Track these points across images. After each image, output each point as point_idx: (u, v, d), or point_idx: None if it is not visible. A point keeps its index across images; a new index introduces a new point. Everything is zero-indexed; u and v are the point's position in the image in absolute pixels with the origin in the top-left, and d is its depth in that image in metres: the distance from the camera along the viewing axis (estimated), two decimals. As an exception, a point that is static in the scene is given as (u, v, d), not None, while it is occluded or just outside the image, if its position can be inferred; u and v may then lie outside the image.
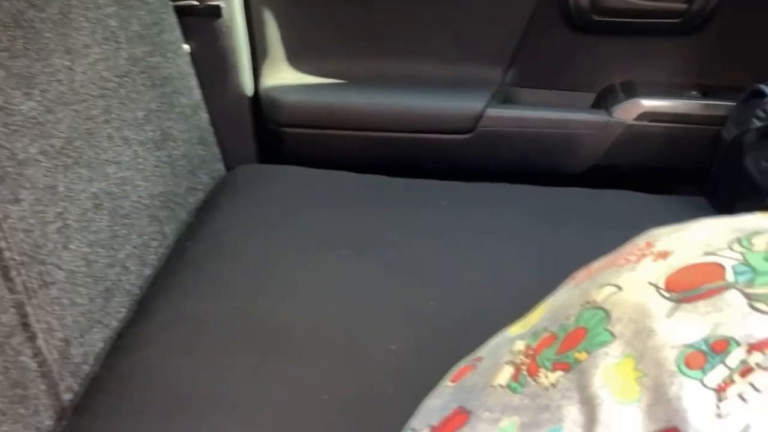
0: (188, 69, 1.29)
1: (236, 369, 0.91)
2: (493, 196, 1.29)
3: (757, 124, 1.25)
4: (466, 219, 1.21)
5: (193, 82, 1.30)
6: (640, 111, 1.43)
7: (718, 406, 0.53)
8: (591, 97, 1.53)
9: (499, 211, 1.24)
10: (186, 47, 1.31)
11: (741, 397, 0.53)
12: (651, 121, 1.44)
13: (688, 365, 0.57)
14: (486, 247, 1.15)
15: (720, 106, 1.41)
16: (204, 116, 1.32)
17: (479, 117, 1.43)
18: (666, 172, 1.49)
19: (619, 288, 0.67)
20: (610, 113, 1.45)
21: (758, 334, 0.57)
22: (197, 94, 1.31)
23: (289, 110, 1.43)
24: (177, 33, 1.27)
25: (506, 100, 1.49)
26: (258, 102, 1.43)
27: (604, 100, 1.49)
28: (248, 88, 1.41)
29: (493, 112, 1.44)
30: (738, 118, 1.33)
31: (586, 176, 1.49)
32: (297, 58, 1.46)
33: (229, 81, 1.39)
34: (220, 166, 1.36)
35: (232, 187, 1.30)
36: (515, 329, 0.75)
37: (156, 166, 1.15)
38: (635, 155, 1.47)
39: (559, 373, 0.63)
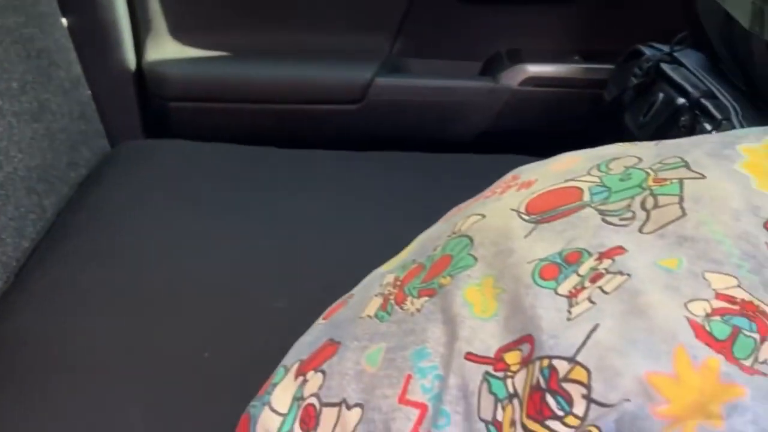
0: (66, 43, 1.26)
1: (114, 331, 0.89)
2: (382, 164, 1.29)
3: (635, 81, 1.29)
4: (354, 185, 1.21)
5: (72, 56, 1.27)
6: (525, 76, 1.46)
7: (569, 311, 0.54)
8: (478, 65, 1.55)
9: (388, 177, 1.24)
10: (64, 21, 1.28)
11: (590, 300, 0.54)
12: (536, 86, 1.46)
13: (542, 277, 0.58)
14: (372, 210, 1.15)
15: (601, 69, 1.45)
16: (85, 91, 1.29)
17: (368, 86, 1.43)
18: (553, 135, 1.52)
19: (483, 216, 0.68)
20: (496, 80, 1.47)
21: (609, 243, 0.58)
22: (77, 69, 1.27)
23: (174, 84, 1.41)
24: (53, 5, 1.24)
25: (395, 70, 1.50)
26: (142, 76, 1.41)
27: (490, 68, 1.51)
28: (131, 63, 1.39)
29: (382, 81, 1.44)
30: (617, 79, 1.36)
31: (476, 143, 1.51)
32: (180, 31, 1.44)
33: (110, 56, 1.36)
34: (103, 143, 1.33)
35: (115, 163, 1.27)
36: (386, 266, 0.75)
37: (32, 138, 1.11)
38: (522, 120, 1.49)
39: (424, 299, 0.64)
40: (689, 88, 1.17)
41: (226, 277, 0.99)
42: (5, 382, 0.83)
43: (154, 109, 1.43)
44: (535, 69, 1.46)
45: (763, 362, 0.50)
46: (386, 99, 1.45)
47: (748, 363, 0.50)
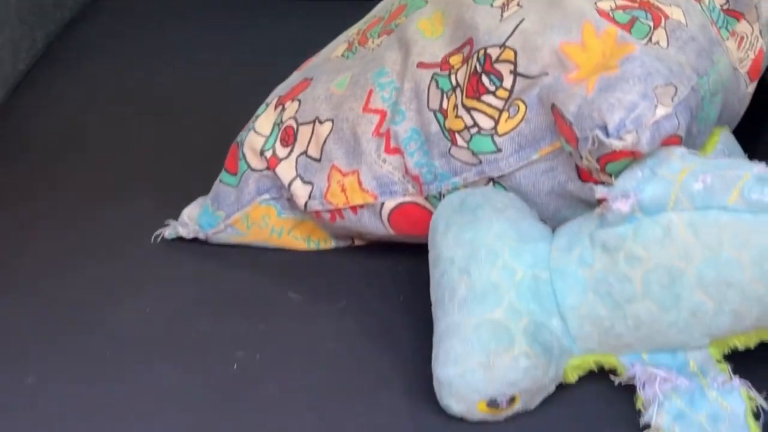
0: None
1: (105, 125, 1.01)
2: (339, 12, 1.39)
3: None
4: (318, 27, 1.31)
5: None
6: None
7: (501, 15, 0.66)
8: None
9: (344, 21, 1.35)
10: None
11: (519, 5, 0.66)
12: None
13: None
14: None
15: None
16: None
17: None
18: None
19: (434, -25, 0.79)
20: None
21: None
22: None
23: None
24: None
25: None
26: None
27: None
28: None
29: None
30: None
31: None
32: None
33: None
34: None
35: (99, 8, 1.36)
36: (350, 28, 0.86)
37: (23, -26, 1.20)
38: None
39: (383, 38, 0.75)
40: None
41: (211, 83, 1.10)
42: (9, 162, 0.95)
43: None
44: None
45: (656, 43, 0.62)
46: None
47: (642, 42, 0.62)
